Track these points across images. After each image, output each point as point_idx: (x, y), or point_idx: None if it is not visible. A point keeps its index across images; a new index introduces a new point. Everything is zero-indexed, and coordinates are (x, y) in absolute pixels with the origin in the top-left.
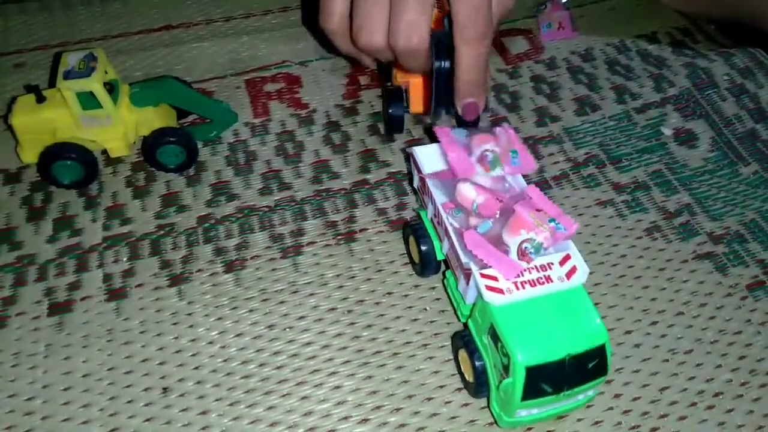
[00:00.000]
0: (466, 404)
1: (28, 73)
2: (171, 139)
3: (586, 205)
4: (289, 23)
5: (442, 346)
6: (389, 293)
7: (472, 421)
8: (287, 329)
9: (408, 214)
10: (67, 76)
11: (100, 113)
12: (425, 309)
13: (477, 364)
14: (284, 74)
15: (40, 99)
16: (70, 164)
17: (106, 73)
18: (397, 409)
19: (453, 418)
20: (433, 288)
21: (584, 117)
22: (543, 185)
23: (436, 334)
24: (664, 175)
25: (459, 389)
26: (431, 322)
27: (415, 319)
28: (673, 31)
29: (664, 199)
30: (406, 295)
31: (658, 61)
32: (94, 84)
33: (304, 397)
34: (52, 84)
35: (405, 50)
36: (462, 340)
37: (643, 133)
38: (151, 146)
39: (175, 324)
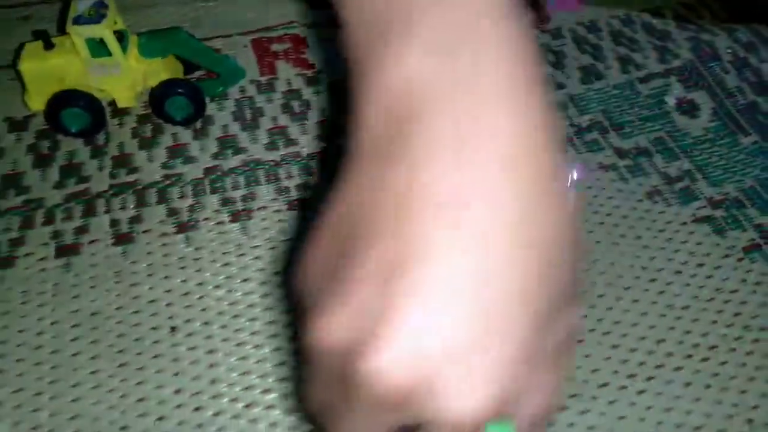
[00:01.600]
0: None
1: (34, 25)
2: (179, 90)
3: (589, 168)
4: None
5: None
6: None
7: None
8: None
9: None
10: (77, 21)
11: (109, 61)
12: None
13: None
14: (291, 35)
15: (49, 45)
16: (79, 112)
17: (115, 22)
18: None
19: None
20: None
21: (588, 85)
22: None
23: None
24: (665, 142)
25: None
26: None
27: None
28: (678, 6)
29: (666, 165)
30: None
31: (662, 35)
32: (105, 30)
33: None
34: (60, 33)
35: None
36: None
37: (647, 102)
38: (159, 97)
39: (182, 268)
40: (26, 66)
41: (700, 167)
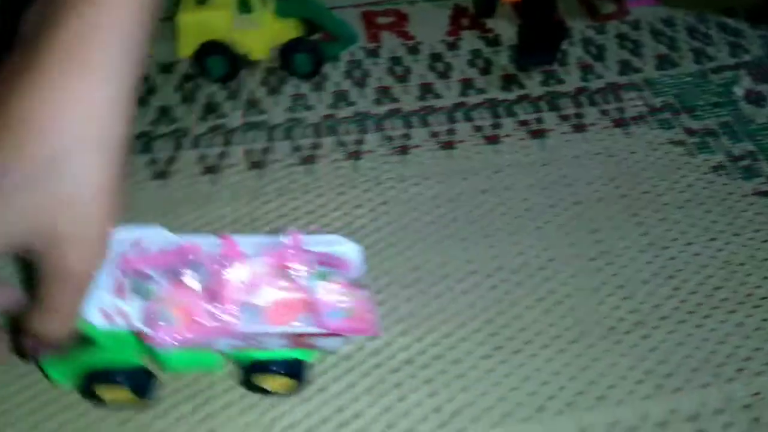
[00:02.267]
0: None
1: None
2: (306, 48)
3: (660, 142)
4: None
5: None
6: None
7: None
8: (392, 204)
9: (501, 131)
10: None
11: (252, 17)
12: None
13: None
14: (394, 9)
15: (201, 1)
16: (221, 60)
17: None
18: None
19: None
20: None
21: (663, 71)
22: (622, 123)
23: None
24: (732, 126)
25: None
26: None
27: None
28: (751, 8)
29: (731, 145)
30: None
31: (734, 32)
32: None
33: (414, 266)
34: None
35: None
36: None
37: (716, 90)
38: (287, 52)
39: (305, 192)
40: (182, 18)
41: (763, 149)
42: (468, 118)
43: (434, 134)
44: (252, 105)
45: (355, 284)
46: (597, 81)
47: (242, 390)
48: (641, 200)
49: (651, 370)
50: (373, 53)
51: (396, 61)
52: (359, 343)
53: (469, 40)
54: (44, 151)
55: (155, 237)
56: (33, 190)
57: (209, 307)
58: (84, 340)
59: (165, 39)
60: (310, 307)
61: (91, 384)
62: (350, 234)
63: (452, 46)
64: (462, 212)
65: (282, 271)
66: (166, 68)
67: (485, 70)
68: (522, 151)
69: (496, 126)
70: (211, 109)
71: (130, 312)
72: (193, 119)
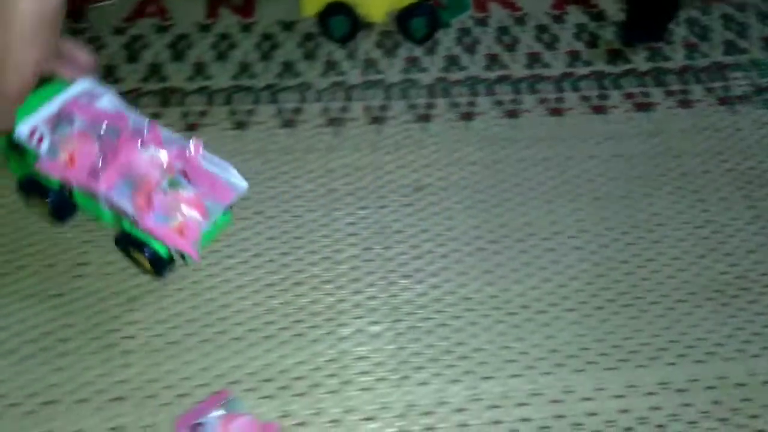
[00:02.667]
0: None
1: None
2: (423, 13)
3: (765, 121)
4: None
5: None
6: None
7: None
8: (505, 163)
9: (608, 102)
10: None
11: None
12: None
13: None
14: None
15: None
16: (343, 20)
17: None
18: None
19: None
20: None
21: None
22: (727, 101)
23: None
24: None
25: None
26: None
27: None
28: None
29: None
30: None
31: None
32: None
33: (527, 222)
34: None
35: None
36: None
37: None
38: (404, 17)
39: (421, 147)
40: None
41: None
42: (575, 88)
43: (543, 101)
44: (369, 65)
45: (203, 209)
46: (702, 60)
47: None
48: (747, 175)
49: (759, 332)
50: (482, 22)
51: (504, 30)
52: (478, 285)
53: (575, 14)
54: None
55: (109, 99)
56: None
57: (95, 163)
58: (17, 146)
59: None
60: (150, 203)
61: (26, 190)
62: (465, 188)
63: (558, 19)
64: (571, 175)
65: (167, 169)
66: (289, 26)
67: (591, 44)
68: (629, 123)
69: (602, 97)
70: (331, 66)
71: (44, 140)
72: (316, 75)
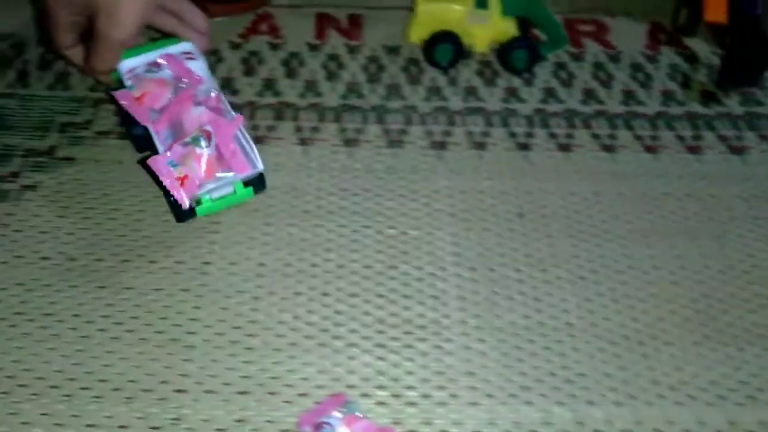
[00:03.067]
0: None
1: None
2: (524, 45)
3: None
4: None
5: None
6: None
7: None
8: (604, 195)
9: (702, 143)
10: None
11: (484, 14)
12: None
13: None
14: (594, 19)
15: None
16: (448, 48)
17: None
18: None
19: None
20: None
21: None
22: None
23: None
24: None
25: None
26: None
27: None
28: None
29: None
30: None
31: None
32: None
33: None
34: None
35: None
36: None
37: None
38: (507, 48)
39: (522, 175)
40: (423, 7)
41: None
42: (670, 127)
43: (638, 137)
44: (470, 92)
45: (211, 171)
46: None
47: None
48: None
49: None
50: (578, 57)
51: (599, 66)
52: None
53: (668, 55)
54: None
55: (200, 65)
56: None
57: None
58: (120, 80)
59: (388, 24)
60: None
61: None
62: (566, 217)
63: (651, 59)
64: (668, 211)
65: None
66: (393, 50)
67: (685, 84)
68: (723, 164)
69: (696, 137)
70: (434, 91)
71: (136, 74)
72: (419, 98)
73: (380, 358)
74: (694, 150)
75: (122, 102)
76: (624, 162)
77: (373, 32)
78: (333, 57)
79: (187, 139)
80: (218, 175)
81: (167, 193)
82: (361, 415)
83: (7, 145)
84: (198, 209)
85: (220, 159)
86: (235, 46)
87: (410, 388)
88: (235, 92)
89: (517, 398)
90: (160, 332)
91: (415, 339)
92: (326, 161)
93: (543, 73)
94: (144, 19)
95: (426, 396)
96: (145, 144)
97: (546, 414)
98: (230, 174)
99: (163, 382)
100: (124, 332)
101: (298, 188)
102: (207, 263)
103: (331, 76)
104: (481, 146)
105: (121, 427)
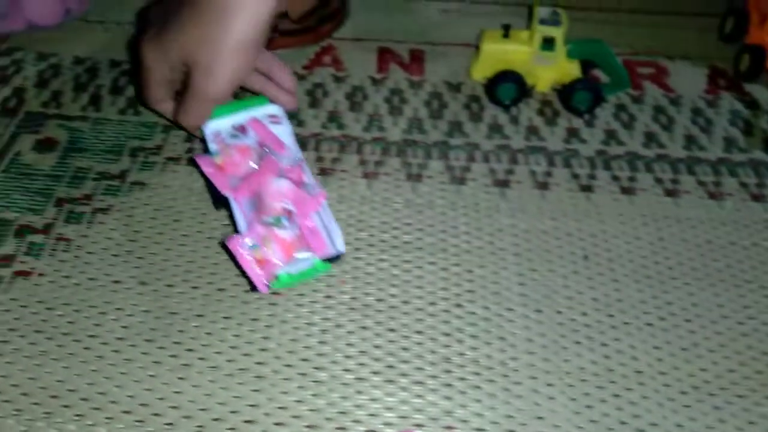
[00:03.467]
0: None
1: (499, 18)
2: (588, 87)
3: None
4: (669, 22)
5: None
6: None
7: None
8: (669, 241)
9: (766, 191)
10: (543, 22)
11: (550, 56)
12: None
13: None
14: (654, 62)
15: (506, 35)
16: (513, 87)
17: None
18: None
19: None
20: None
21: None
22: None
23: None
24: None
25: None
26: None
27: None
28: None
29: None
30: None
31: None
32: (559, 32)
33: (693, 302)
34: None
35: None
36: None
37: None
38: (569, 89)
39: (586, 216)
40: (487, 46)
41: None
42: (732, 174)
43: (701, 183)
44: (531, 131)
45: (290, 255)
46: None
47: None
48: None
49: None
50: (638, 100)
51: (659, 110)
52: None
53: (728, 100)
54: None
55: (285, 129)
56: (204, 26)
57: (239, 175)
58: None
59: (449, 60)
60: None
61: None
62: (631, 261)
63: (711, 104)
64: (734, 260)
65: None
66: (455, 87)
67: (747, 131)
68: None
69: (760, 185)
70: (495, 129)
71: (221, 138)
72: (481, 136)
73: (447, 398)
74: (758, 198)
75: (205, 170)
76: (688, 207)
77: (435, 67)
78: (395, 91)
79: (269, 219)
80: (297, 256)
81: (244, 272)
82: None
83: (80, 168)
84: (274, 284)
85: (300, 237)
86: (300, 78)
87: (479, 430)
88: (300, 123)
89: None
90: (230, 361)
91: (482, 380)
92: (389, 195)
93: (604, 114)
94: (240, 79)
95: None
96: (226, 205)
97: None
98: (308, 255)
99: (234, 411)
100: (195, 359)
101: (362, 221)
102: (276, 293)
103: (393, 110)
104: (543, 186)
105: None
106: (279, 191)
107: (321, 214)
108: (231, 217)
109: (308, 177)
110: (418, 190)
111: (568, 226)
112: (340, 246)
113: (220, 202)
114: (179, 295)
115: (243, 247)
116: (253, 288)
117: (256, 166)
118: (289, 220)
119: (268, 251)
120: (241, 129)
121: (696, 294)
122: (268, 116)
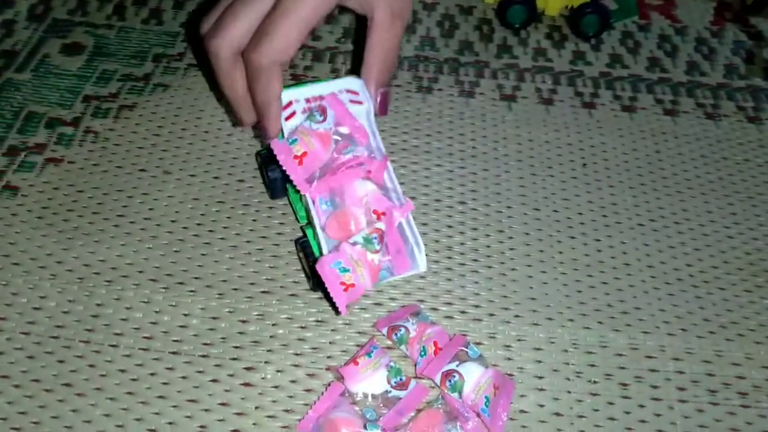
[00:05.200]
0: None
1: None
2: (596, 11)
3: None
4: None
5: None
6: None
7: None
8: (669, 154)
9: (762, 114)
10: None
11: None
12: None
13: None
14: None
15: None
16: (522, 10)
17: None
18: None
19: None
20: None
21: None
22: None
23: None
24: None
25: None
26: None
27: None
28: None
29: None
30: None
31: None
32: None
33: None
34: None
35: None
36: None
37: None
38: (578, 13)
39: (587, 129)
40: None
41: None
42: (731, 98)
43: (700, 105)
44: (539, 53)
45: (376, 277)
46: None
47: None
48: None
49: None
50: (644, 28)
51: (664, 38)
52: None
53: (733, 31)
54: None
55: (366, 109)
56: None
57: (316, 170)
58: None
59: None
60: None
61: (263, 158)
62: (628, 170)
63: (715, 35)
64: (725, 173)
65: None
66: (467, 10)
67: (748, 60)
68: None
69: (757, 109)
70: (504, 50)
71: (293, 118)
72: (491, 55)
73: (448, 279)
74: (753, 120)
75: (279, 158)
76: (685, 125)
77: None
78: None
79: (359, 239)
80: (379, 274)
81: (327, 294)
82: (433, 322)
83: (106, 70)
84: None
85: (383, 252)
86: None
87: (476, 306)
88: (316, 38)
89: (575, 323)
90: (248, 242)
91: (481, 266)
92: (400, 104)
93: (610, 40)
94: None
95: (491, 315)
96: (278, 188)
97: (602, 338)
98: (387, 275)
99: (252, 284)
100: (216, 239)
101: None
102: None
103: (407, 28)
104: (548, 101)
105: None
106: (363, 197)
107: (404, 225)
108: (290, 205)
109: (391, 179)
110: (427, 101)
111: (570, 137)
112: (422, 265)
113: (275, 180)
114: (201, 183)
115: (333, 273)
116: (336, 310)
117: (336, 156)
118: (378, 240)
119: (359, 277)
120: (321, 110)
121: (687, 201)
122: (349, 92)
